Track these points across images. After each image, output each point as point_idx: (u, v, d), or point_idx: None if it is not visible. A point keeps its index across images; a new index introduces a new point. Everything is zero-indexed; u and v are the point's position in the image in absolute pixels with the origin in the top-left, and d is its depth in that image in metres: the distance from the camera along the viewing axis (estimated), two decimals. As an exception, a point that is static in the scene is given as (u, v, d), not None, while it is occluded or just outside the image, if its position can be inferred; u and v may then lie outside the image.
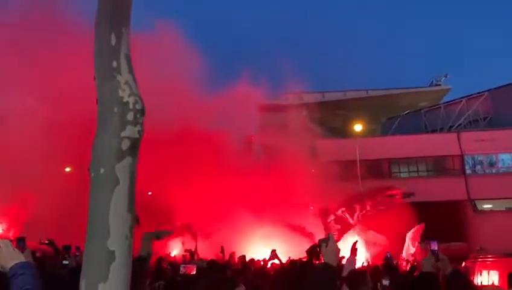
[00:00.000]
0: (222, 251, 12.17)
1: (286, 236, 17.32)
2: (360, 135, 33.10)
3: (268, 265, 10.87)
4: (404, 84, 61.41)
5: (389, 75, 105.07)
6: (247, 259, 11.78)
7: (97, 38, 2.12)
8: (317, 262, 7.58)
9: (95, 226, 1.88)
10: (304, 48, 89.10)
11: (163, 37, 19.00)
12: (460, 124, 36.27)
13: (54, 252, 8.33)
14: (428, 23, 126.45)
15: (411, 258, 15.54)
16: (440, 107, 39.15)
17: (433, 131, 36.88)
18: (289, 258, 10.88)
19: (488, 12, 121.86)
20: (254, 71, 21.85)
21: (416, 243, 16.79)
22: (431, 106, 40.56)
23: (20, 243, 6.09)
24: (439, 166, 32.26)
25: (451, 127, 36.38)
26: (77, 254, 8.31)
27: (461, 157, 31.13)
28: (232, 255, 12.62)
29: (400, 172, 32.40)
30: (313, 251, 8.27)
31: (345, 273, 4.63)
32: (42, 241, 9.01)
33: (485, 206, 30.08)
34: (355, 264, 4.56)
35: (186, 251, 13.07)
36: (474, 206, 29.51)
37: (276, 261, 10.08)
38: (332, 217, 20.27)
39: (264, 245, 16.12)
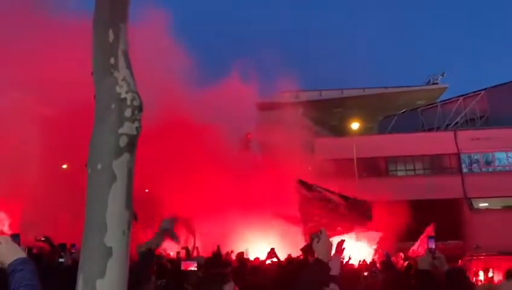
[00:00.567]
0: (218, 250, 12.17)
1: (284, 233, 17.34)
2: (357, 133, 33.16)
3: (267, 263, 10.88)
4: (401, 82, 61.56)
5: (386, 73, 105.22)
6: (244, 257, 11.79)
7: (95, 35, 2.12)
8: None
9: (92, 222, 1.89)
10: (301, 46, 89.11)
11: (152, 29, 18.73)
12: (457, 123, 36.40)
13: (50, 249, 8.32)
14: (425, 22, 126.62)
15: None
16: (437, 105, 39.28)
17: (430, 129, 37.00)
18: (288, 255, 10.90)
19: (485, 11, 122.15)
20: (248, 67, 21.84)
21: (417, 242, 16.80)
22: (428, 105, 40.68)
23: (14, 239, 6.08)
24: (436, 164, 32.37)
25: (448, 125, 36.52)
26: (73, 251, 8.31)
27: (458, 155, 31.26)
28: (229, 253, 12.63)
29: (396, 170, 32.51)
30: (308, 249, 8.30)
31: (333, 272, 4.61)
32: (38, 238, 8.99)
33: (481, 204, 30.21)
34: (340, 263, 4.51)
35: (182, 248, 13.03)
36: (471, 204, 29.64)
37: (274, 259, 10.09)
38: None
39: (261, 242, 16.17)
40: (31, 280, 2.06)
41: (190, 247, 12.99)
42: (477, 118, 36.14)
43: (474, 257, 15.39)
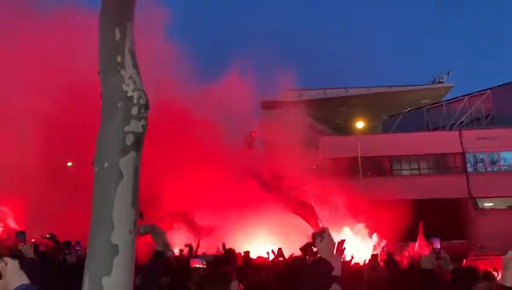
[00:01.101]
0: (224, 248, 12.14)
1: (288, 231, 17.34)
2: (362, 132, 33.11)
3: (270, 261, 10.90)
4: (406, 81, 61.49)
5: (391, 72, 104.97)
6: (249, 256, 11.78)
7: (101, 33, 2.12)
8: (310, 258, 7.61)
9: (99, 220, 1.90)
10: (305, 45, 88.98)
11: (151, 25, 18.64)
12: (462, 122, 36.26)
13: (55, 246, 8.36)
14: (431, 21, 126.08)
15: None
16: (442, 104, 39.13)
17: (435, 129, 36.88)
18: (291, 254, 10.90)
19: (491, 10, 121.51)
20: (250, 65, 21.80)
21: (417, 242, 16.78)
22: (433, 104, 40.52)
23: (20, 236, 6.12)
24: (441, 164, 32.26)
25: (453, 125, 36.38)
26: (78, 248, 8.35)
27: (463, 155, 31.13)
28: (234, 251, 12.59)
29: (401, 169, 32.42)
30: (307, 248, 8.29)
31: (334, 272, 4.59)
32: (43, 235, 9.04)
33: (486, 204, 30.08)
34: (340, 264, 4.50)
35: (186, 245, 13.00)
36: (475, 204, 29.52)
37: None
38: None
39: (266, 240, 16.18)
40: None
41: (194, 245, 12.98)
42: (483, 117, 35.98)
43: (480, 257, 15.35)
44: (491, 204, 30.14)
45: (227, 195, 17.49)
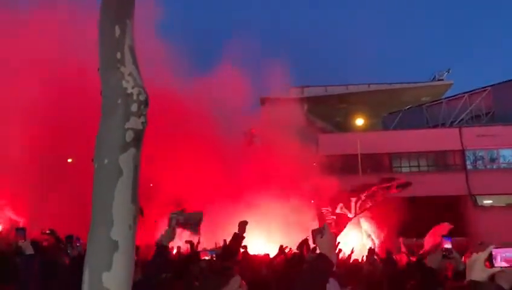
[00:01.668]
0: (225, 242, 12.12)
1: (287, 227, 17.37)
2: (362, 129, 33.14)
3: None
4: (406, 78, 61.38)
5: (391, 69, 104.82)
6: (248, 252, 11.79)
7: (101, 30, 2.13)
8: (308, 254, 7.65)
9: (99, 216, 1.91)
10: (306, 42, 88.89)
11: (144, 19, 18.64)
12: (462, 119, 36.27)
13: (55, 242, 8.39)
14: (431, 18, 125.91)
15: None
16: (442, 102, 39.14)
17: (435, 126, 36.91)
18: (290, 250, 10.93)
19: (491, 7, 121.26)
20: (249, 60, 21.80)
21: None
22: (433, 101, 40.52)
23: (20, 232, 6.13)
24: (440, 161, 32.30)
25: (452, 122, 36.40)
26: (78, 244, 8.37)
27: (462, 152, 31.16)
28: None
29: (401, 167, 32.45)
30: (304, 244, 8.35)
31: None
32: (43, 231, 9.07)
33: (486, 201, 30.13)
34: (336, 259, 4.54)
35: (186, 241, 12.99)
36: (475, 201, 29.57)
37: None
38: (328, 209, 20.11)
39: (265, 237, 16.21)
40: None
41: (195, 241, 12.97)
42: (483, 114, 36.00)
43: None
44: (490, 201, 30.19)
45: (224, 190, 17.52)
